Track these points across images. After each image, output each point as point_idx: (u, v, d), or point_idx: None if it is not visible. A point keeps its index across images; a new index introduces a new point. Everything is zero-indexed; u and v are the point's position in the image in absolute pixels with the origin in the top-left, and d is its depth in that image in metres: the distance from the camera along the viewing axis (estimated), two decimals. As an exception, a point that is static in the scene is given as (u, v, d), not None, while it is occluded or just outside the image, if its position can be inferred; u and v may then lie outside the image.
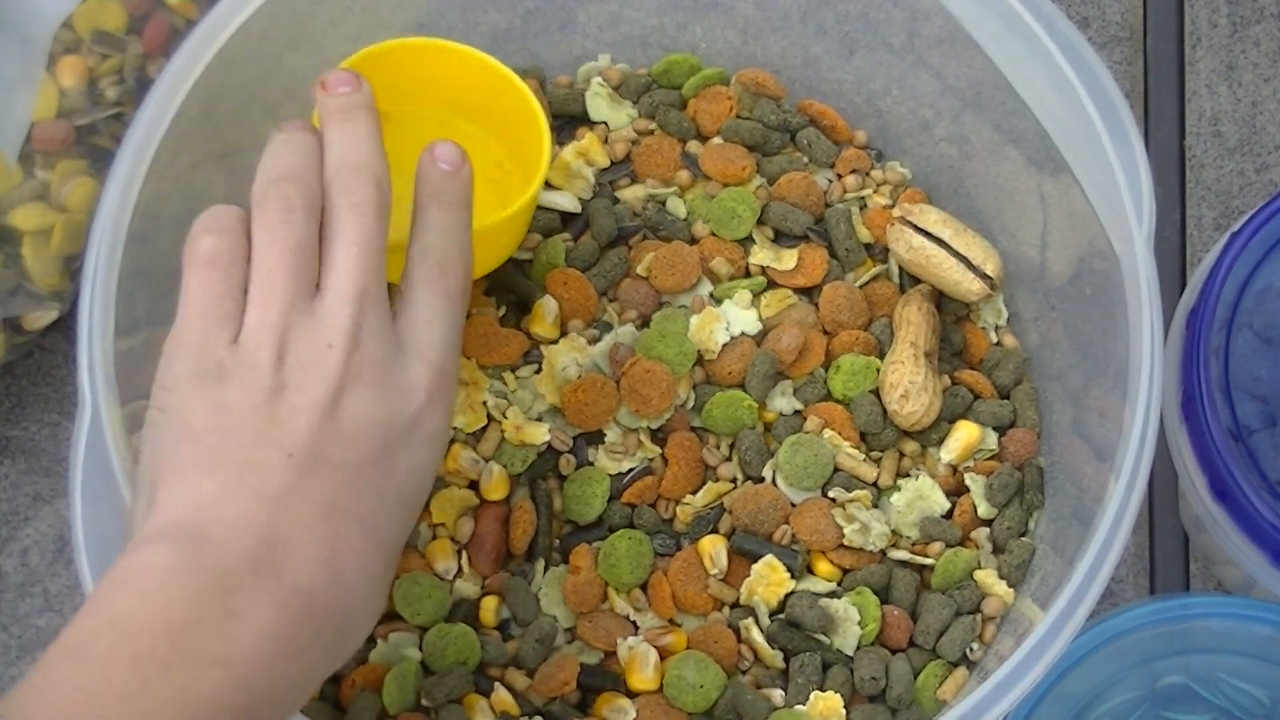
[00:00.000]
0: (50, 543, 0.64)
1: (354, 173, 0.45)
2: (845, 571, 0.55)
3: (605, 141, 0.60)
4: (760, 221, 0.60)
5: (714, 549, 0.54)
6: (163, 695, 0.37)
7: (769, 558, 0.54)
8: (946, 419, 0.57)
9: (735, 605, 0.55)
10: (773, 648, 0.54)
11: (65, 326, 0.64)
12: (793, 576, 0.54)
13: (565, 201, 0.59)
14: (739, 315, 0.57)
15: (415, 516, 0.45)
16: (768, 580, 0.54)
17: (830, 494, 0.56)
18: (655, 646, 0.53)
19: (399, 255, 0.48)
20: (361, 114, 0.46)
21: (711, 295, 0.58)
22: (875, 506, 0.56)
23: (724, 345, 0.57)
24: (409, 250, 0.47)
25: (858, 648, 0.54)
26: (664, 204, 0.60)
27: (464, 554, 0.54)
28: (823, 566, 0.55)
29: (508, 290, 0.58)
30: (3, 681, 0.62)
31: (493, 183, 0.57)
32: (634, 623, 0.54)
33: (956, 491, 0.57)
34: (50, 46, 0.61)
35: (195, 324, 0.44)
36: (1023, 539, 0.56)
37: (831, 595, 0.55)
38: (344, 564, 0.42)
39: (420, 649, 0.53)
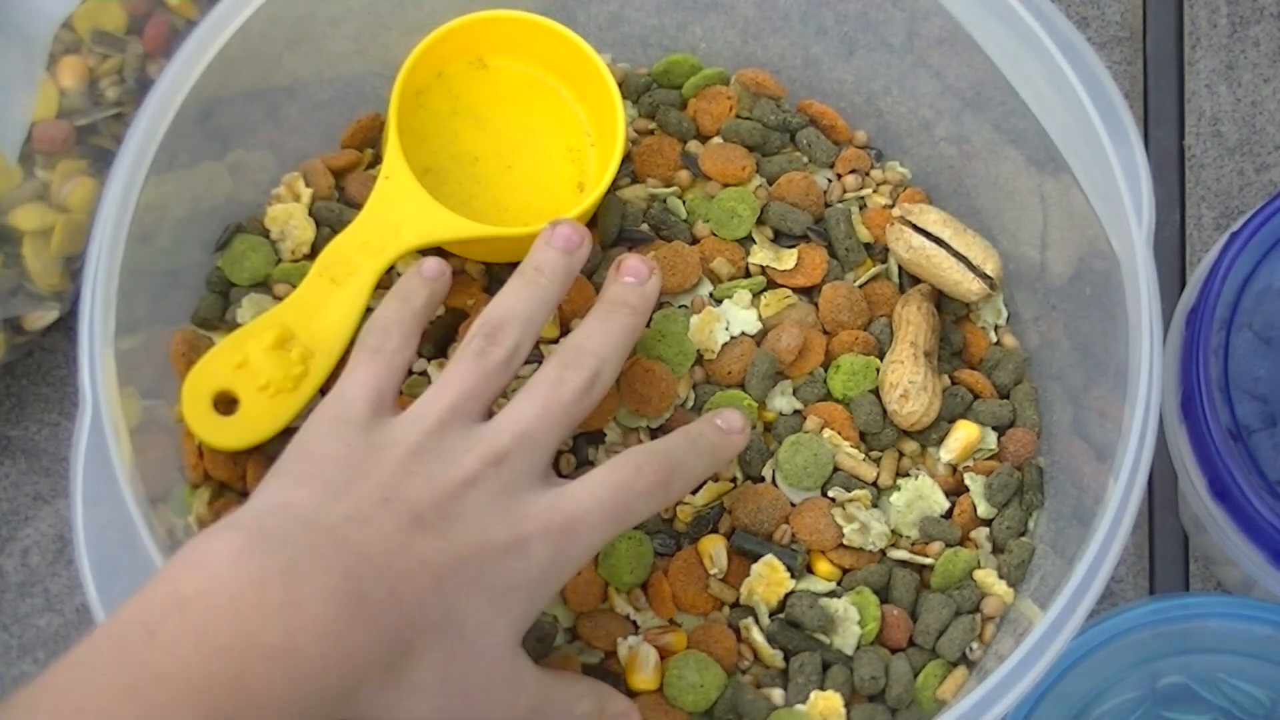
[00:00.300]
0: (50, 543, 0.64)
1: (582, 355, 0.49)
2: (845, 571, 0.55)
3: (605, 141, 0.61)
4: (760, 221, 0.60)
5: (714, 549, 0.54)
6: (218, 677, 0.38)
7: (769, 557, 0.54)
8: (946, 419, 0.57)
9: (735, 605, 0.55)
10: (773, 647, 0.54)
11: (65, 326, 0.64)
12: (793, 576, 0.54)
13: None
14: (739, 315, 0.57)
15: (499, 617, 0.45)
16: (768, 580, 0.54)
17: (830, 494, 0.56)
18: (655, 646, 0.53)
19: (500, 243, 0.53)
20: (626, 314, 0.51)
21: (711, 295, 0.58)
22: (875, 506, 0.56)
23: (724, 345, 0.57)
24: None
25: (857, 647, 0.54)
26: (665, 203, 0.60)
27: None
28: (823, 566, 0.55)
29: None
30: (3, 682, 0.62)
31: (574, 151, 0.58)
32: (634, 622, 0.54)
33: (956, 491, 0.57)
34: (50, 47, 0.61)
35: (353, 391, 0.48)
36: (1022, 539, 0.56)
37: (831, 595, 0.55)
38: (404, 592, 0.43)
39: None
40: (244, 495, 0.54)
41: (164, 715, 0.37)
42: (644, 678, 0.53)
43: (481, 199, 0.57)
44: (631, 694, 0.53)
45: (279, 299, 0.56)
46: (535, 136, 0.58)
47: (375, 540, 0.43)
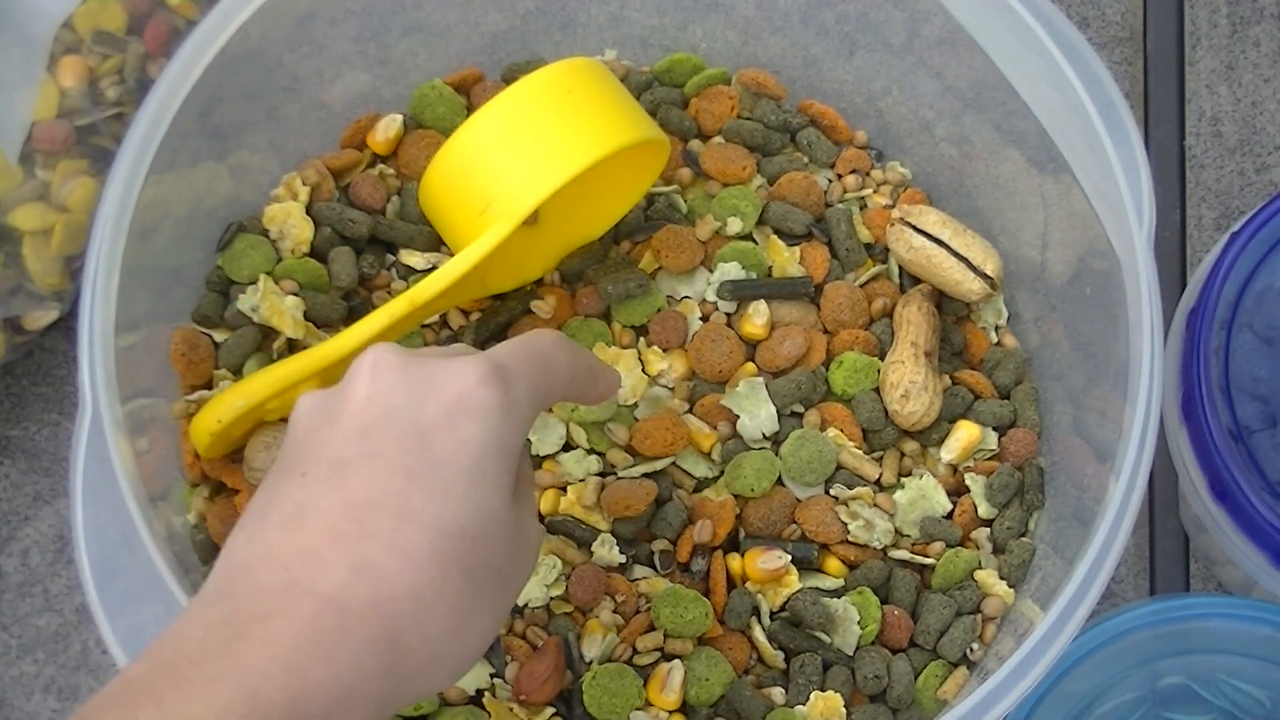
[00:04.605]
0: (50, 543, 0.64)
1: (550, 365, 0.44)
2: (851, 568, 0.55)
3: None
4: (760, 221, 0.60)
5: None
6: None
7: (781, 554, 0.54)
8: (947, 419, 0.57)
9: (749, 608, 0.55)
10: (774, 647, 0.54)
11: (65, 326, 0.64)
12: (809, 568, 0.55)
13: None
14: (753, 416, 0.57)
15: (487, 496, 0.40)
16: (779, 581, 0.54)
17: (832, 491, 0.56)
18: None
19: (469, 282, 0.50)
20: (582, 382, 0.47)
21: (709, 269, 0.59)
22: (875, 506, 0.56)
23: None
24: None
25: (858, 648, 0.54)
26: (668, 201, 0.60)
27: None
28: (832, 564, 0.55)
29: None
30: (3, 682, 0.62)
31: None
32: None
33: (957, 491, 0.57)
34: (51, 46, 0.61)
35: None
36: (1023, 539, 0.56)
37: (835, 594, 0.55)
38: (371, 552, 0.38)
39: None
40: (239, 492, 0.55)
41: None
42: (667, 699, 0.53)
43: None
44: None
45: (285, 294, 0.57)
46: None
47: (313, 527, 0.39)
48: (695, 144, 0.61)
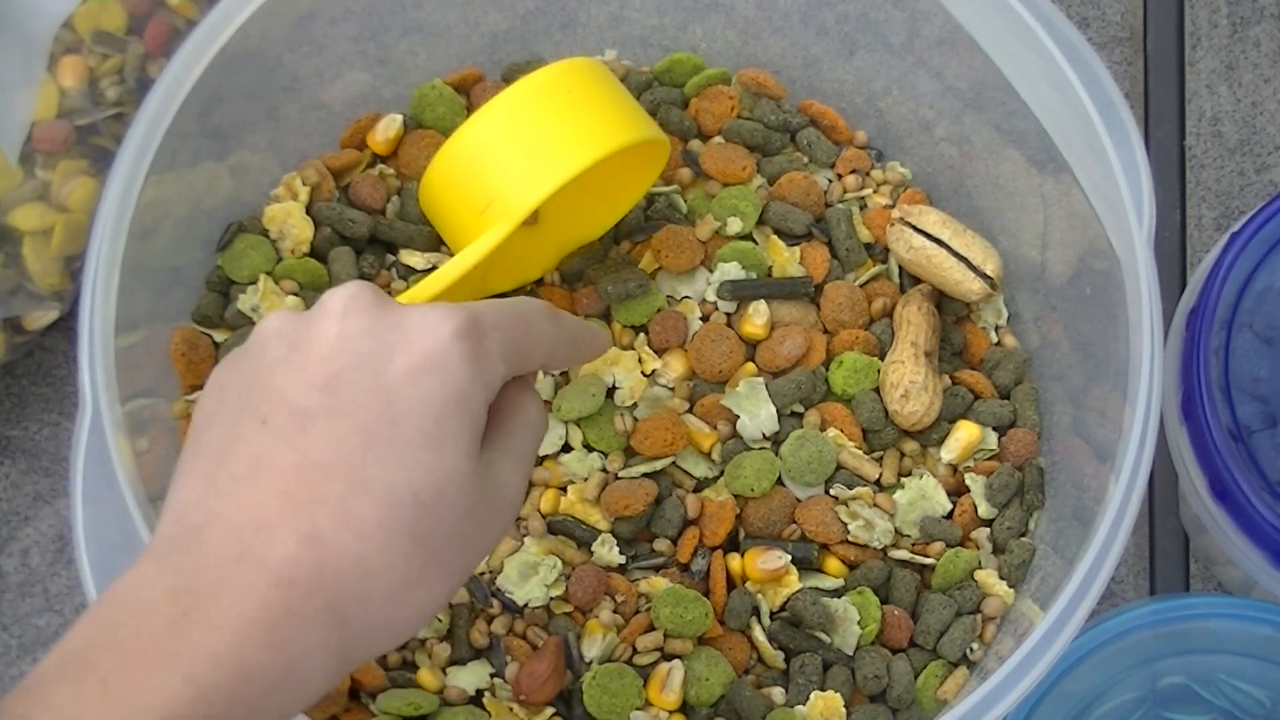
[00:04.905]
0: (50, 543, 0.64)
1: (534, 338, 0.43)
2: (851, 568, 0.55)
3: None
4: (760, 221, 0.60)
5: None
6: (93, 708, 0.35)
7: (781, 554, 0.54)
8: (947, 419, 0.57)
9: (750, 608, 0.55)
10: (774, 647, 0.54)
11: (65, 326, 0.64)
12: (809, 568, 0.55)
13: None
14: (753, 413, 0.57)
15: (444, 459, 0.39)
16: (779, 581, 0.54)
17: (832, 491, 0.56)
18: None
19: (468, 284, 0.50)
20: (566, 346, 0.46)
21: (708, 269, 0.59)
22: (875, 506, 0.56)
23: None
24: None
25: (858, 648, 0.54)
26: (668, 200, 0.60)
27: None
28: (832, 564, 0.55)
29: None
30: (3, 681, 0.62)
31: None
32: None
33: (957, 491, 0.57)
34: (51, 46, 0.61)
35: None
36: (1023, 539, 0.56)
37: (835, 594, 0.55)
38: (320, 524, 0.38)
39: None
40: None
41: None
42: (667, 699, 0.53)
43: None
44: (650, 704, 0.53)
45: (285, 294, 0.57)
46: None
47: (268, 488, 0.38)
48: (695, 144, 0.61)
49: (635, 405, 0.56)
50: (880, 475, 0.57)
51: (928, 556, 0.56)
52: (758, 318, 0.58)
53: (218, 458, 0.39)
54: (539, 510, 0.55)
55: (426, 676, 0.53)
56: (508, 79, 0.61)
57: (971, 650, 0.55)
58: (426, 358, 0.39)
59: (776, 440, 0.56)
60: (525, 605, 0.54)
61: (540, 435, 0.45)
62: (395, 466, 0.38)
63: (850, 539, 0.55)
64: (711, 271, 0.59)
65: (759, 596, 0.54)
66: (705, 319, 0.58)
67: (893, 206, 0.61)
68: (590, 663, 0.53)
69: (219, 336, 0.56)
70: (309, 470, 0.38)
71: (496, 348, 0.41)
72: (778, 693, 0.54)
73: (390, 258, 0.59)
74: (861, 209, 0.61)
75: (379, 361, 0.39)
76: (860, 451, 0.57)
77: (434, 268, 0.57)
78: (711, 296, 0.58)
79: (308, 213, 0.58)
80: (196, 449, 0.40)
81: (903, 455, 0.57)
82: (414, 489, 0.39)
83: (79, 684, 0.35)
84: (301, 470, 0.38)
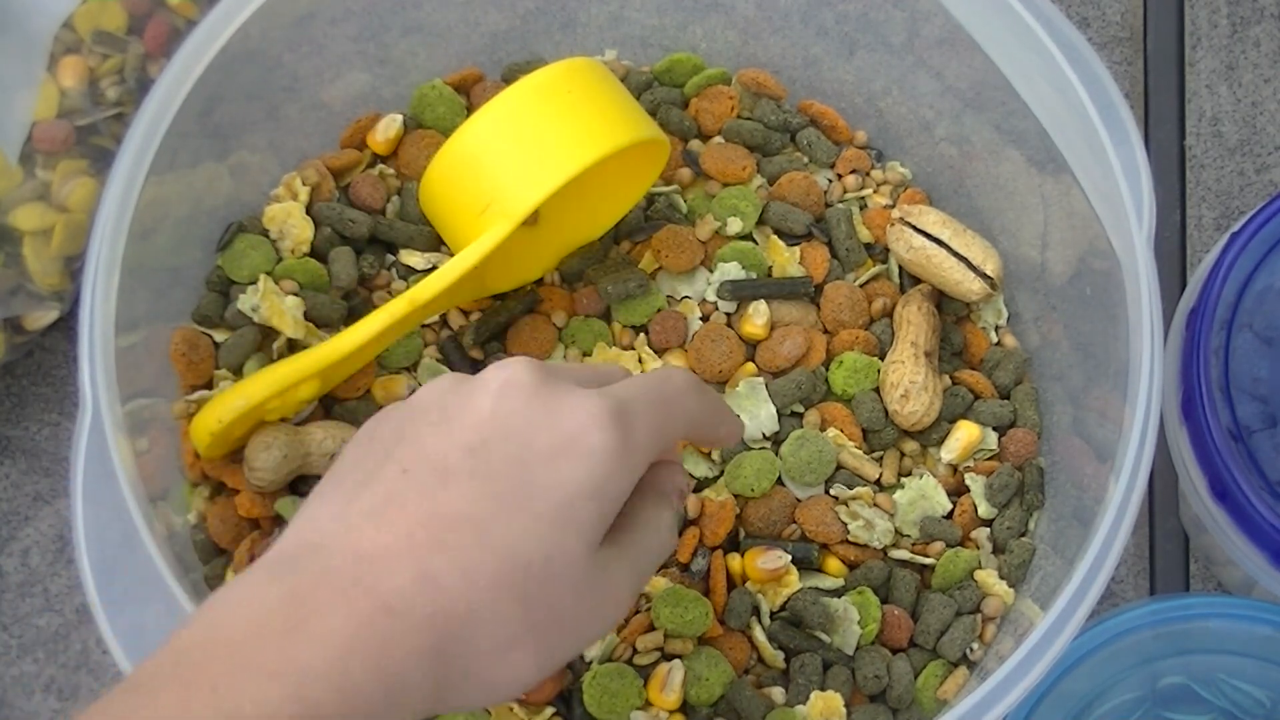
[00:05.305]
0: (50, 543, 0.64)
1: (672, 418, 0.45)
2: (851, 568, 0.55)
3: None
4: (760, 221, 0.60)
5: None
6: (202, 712, 0.36)
7: (781, 554, 0.54)
8: (947, 419, 0.57)
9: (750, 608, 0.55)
10: (774, 647, 0.54)
11: (66, 326, 0.64)
12: (810, 567, 0.55)
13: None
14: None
15: (566, 538, 0.41)
16: (779, 581, 0.54)
17: (832, 491, 0.56)
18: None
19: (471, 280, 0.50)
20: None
21: (708, 269, 0.59)
22: (875, 506, 0.56)
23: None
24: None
25: (858, 647, 0.54)
26: (668, 200, 0.60)
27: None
28: (832, 564, 0.55)
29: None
30: (3, 682, 0.62)
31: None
32: None
33: (957, 491, 0.57)
34: (51, 46, 0.61)
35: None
36: (1023, 539, 0.56)
37: (835, 594, 0.55)
38: (438, 566, 0.39)
39: None
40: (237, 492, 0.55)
41: None
42: (667, 699, 0.53)
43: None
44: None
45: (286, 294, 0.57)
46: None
47: (395, 526, 0.40)
48: (695, 144, 0.61)
49: None
50: (880, 475, 0.57)
51: (928, 556, 0.56)
52: (758, 318, 0.58)
53: (352, 492, 0.41)
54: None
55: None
56: (508, 79, 0.61)
57: (971, 650, 0.55)
58: (571, 444, 0.41)
59: (776, 440, 0.56)
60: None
61: (664, 556, 0.46)
62: (519, 533, 0.40)
63: (850, 539, 0.55)
64: (711, 271, 0.59)
65: (759, 596, 0.54)
66: (705, 319, 0.58)
67: (893, 206, 0.61)
68: (590, 662, 0.53)
69: (219, 336, 0.56)
70: (437, 519, 0.40)
71: (642, 440, 0.42)
72: (778, 693, 0.54)
73: (390, 258, 0.59)
74: (861, 209, 0.61)
75: (525, 438, 0.41)
76: (860, 451, 0.57)
77: (434, 268, 0.57)
78: (711, 296, 0.58)
79: (308, 213, 0.58)
80: (335, 483, 0.42)
81: (903, 455, 0.57)
82: (530, 557, 0.40)
83: (189, 687, 0.36)
84: (431, 517, 0.40)
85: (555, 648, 0.41)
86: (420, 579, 0.39)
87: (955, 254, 0.57)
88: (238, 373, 0.56)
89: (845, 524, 0.55)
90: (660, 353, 0.57)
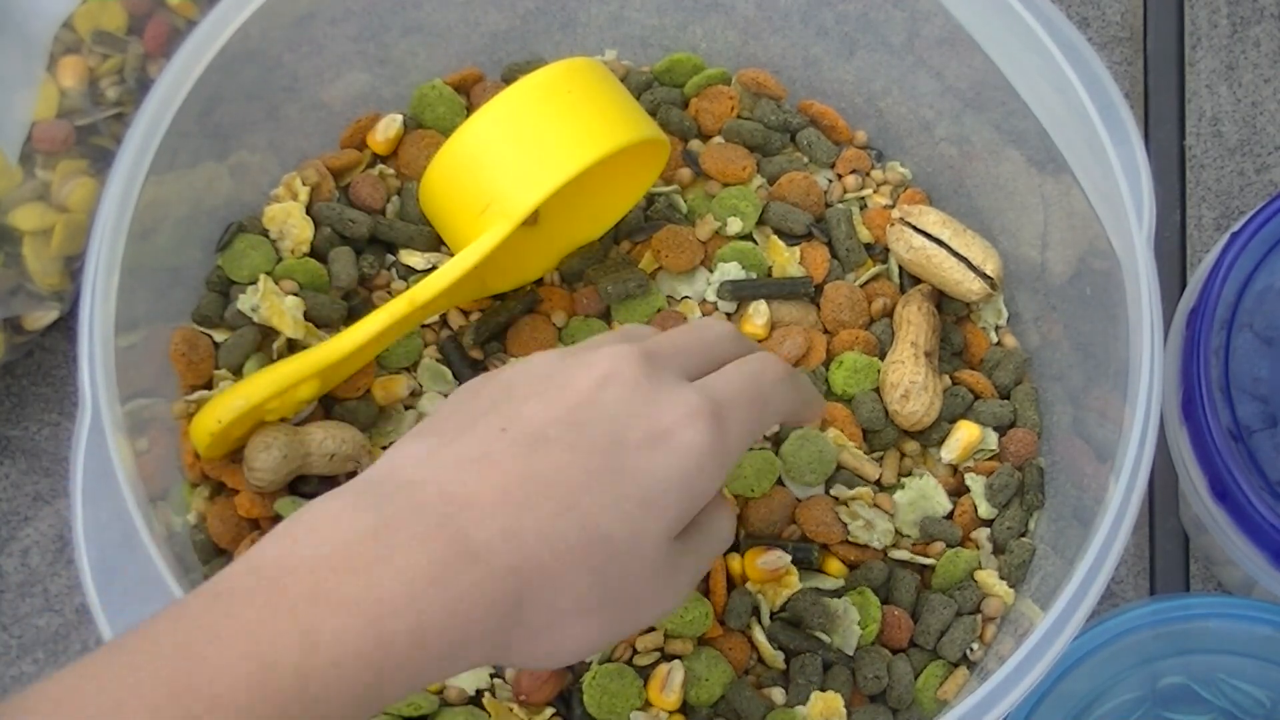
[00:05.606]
0: (50, 543, 0.64)
1: (765, 399, 0.46)
2: (851, 569, 0.55)
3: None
4: (760, 221, 0.60)
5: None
6: (281, 632, 0.37)
7: (781, 554, 0.54)
8: (947, 419, 0.57)
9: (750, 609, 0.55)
10: (774, 647, 0.54)
11: (66, 326, 0.64)
12: (810, 568, 0.55)
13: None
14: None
15: (649, 521, 0.42)
16: (779, 581, 0.54)
17: (832, 491, 0.56)
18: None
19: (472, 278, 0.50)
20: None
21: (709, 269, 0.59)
22: (875, 506, 0.56)
23: None
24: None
25: (857, 648, 0.54)
26: (668, 200, 0.60)
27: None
28: (832, 564, 0.55)
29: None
30: (3, 682, 0.62)
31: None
32: None
33: (957, 491, 0.57)
34: (51, 46, 0.61)
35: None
36: (1023, 539, 0.56)
37: (835, 594, 0.55)
38: (525, 525, 0.40)
39: None
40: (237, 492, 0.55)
41: (214, 672, 0.36)
42: (667, 699, 0.53)
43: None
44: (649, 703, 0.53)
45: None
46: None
47: (483, 478, 0.41)
48: (695, 144, 0.61)
49: None
50: (880, 475, 0.57)
51: (928, 556, 0.56)
52: (758, 318, 0.58)
53: (451, 438, 0.42)
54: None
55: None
56: (508, 79, 0.61)
57: (971, 650, 0.55)
58: (666, 437, 0.42)
59: (777, 440, 0.56)
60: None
61: (721, 551, 0.47)
62: (605, 509, 0.41)
63: (850, 539, 0.55)
64: (711, 271, 0.59)
65: (759, 596, 0.54)
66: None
67: (893, 206, 0.61)
68: (590, 663, 0.53)
69: (219, 336, 0.56)
70: (530, 481, 0.41)
71: (734, 442, 0.44)
72: (778, 693, 0.54)
73: (390, 258, 0.59)
74: (861, 209, 0.61)
75: (623, 424, 0.42)
76: (860, 451, 0.57)
77: (434, 268, 0.57)
78: (711, 296, 0.58)
79: (308, 213, 0.58)
80: (433, 428, 0.43)
81: (903, 455, 0.57)
82: (612, 533, 0.41)
83: (270, 606, 0.37)
84: (524, 478, 0.41)
85: (619, 623, 0.43)
86: (506, 533, 0.40)
87: (955, 254, 0.57)
88: (238, 373, 0.56)
89: (845, 524, 0.55)
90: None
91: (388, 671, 0.38)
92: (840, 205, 0.60)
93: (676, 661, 0.53)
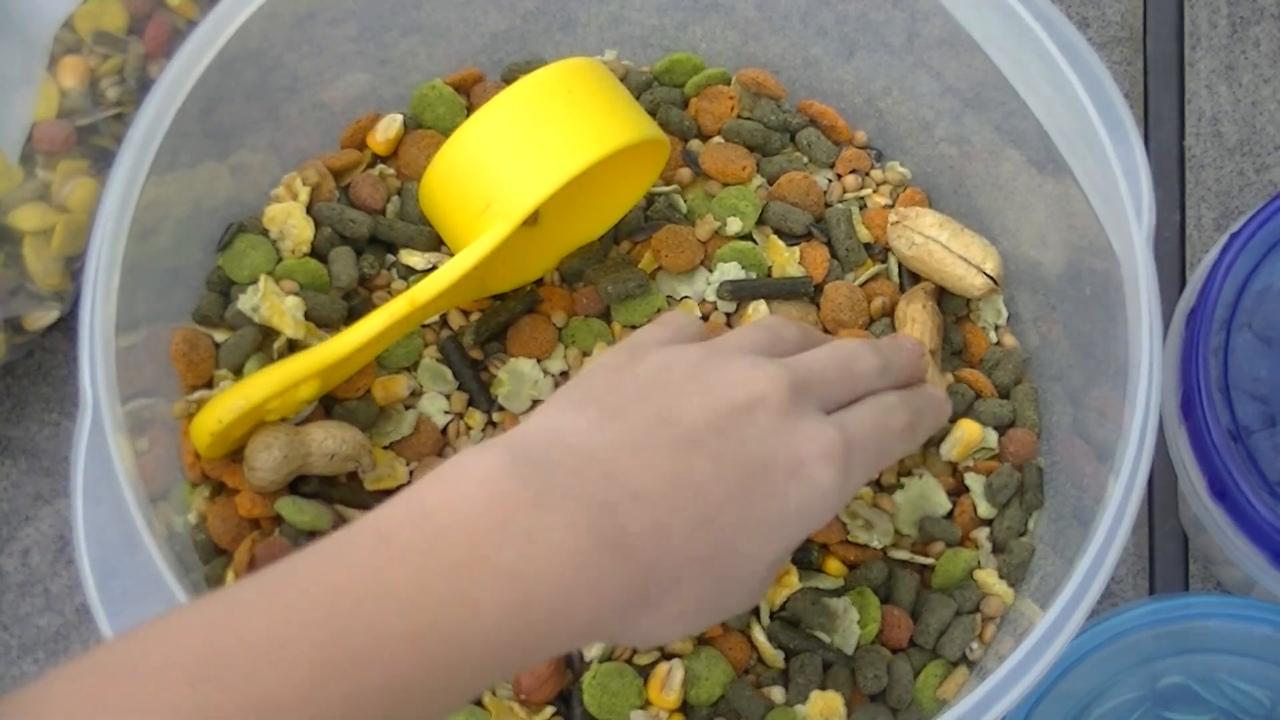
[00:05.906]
0: (51, 543, 0.64)
1: (902, 411, 0.48)
2: (851, 568, 0.55)
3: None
4: (760, 221, 0.60)
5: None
6: (443, 595, 0.38)
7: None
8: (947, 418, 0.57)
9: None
10: (773, 646, 0.54)
11: (66, 326, 0.64)
12: (810, 567, 0.54)
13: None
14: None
15: (770, 546, 0.44)
16: (779, 580, 0.54)
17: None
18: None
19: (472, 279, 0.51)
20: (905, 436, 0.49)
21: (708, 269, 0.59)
22: (875, 506, 0.56)
23: None
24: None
25: (857, 647, 0.54)
26: (668, 200, 0.60)
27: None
28: (832, 564, 0.55)
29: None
30: (3, 682, 0.62)
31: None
32: None
33: (956, 491, 0.57)
34: (51, 47, 0.61)
35: (647, 337, 0.47)
36: (1023, 539, 0.56)
37: (835, 594, 0.55)
38: (672, 526, 0.41)
39: None
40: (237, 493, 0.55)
41: (374, 619, 0.37)
42: (667, 699, 0.53)
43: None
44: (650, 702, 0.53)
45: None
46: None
47: (644, 468, 0.42)
48: (695, 144, 0.61)
49: None
50: (880, 475, 0.56)
51: (928, 556, 0.56)
52: (757, 318, 0.58)
53: (610, 416, 0.43)
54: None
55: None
56: (508, 79, 0.61)
57: (971, 650, 0.55)
58: (800, 469, 0.44)
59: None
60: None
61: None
62: (737, 528, 0.43)
63: (850, 539, 0.55)
64: (711, 271, 0.59)
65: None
66: (705, 319, 0.58)
67: (892, 206, 0.61)
68: (590, 662, 0.53)
69: (219, 336, 0.56)
70: (681, 482, 0.42)
71: (855, 484, 0.46)
72: (777, 692, 0.54)
73: (390, 258, 0.59)
74: (861, 209, 0.61)
75: (768, 449, 0.44)
76: (860, 451, 0.57)
77: (434, 268, 0.57)
78: (711, 296, 0.58)
79: (308, 213, 0.58)
80: (588, 395, 0.44)
81: (902, 455, 0.58)
82: (739, 551, 0.43)
83: (431, 556, 0.38)
84: (675, 478, 0.42)
85: (703, 624, 0.45)
86: (657, 530, 0.41)
87: (955, 255, 0.57)
88: (238, 373, 0.56)
89: (845, 524, 0.55)
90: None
91: (531, 641, 0.39)
92: (840, 205, 0.60)
93: (676, 661, 0.53)
